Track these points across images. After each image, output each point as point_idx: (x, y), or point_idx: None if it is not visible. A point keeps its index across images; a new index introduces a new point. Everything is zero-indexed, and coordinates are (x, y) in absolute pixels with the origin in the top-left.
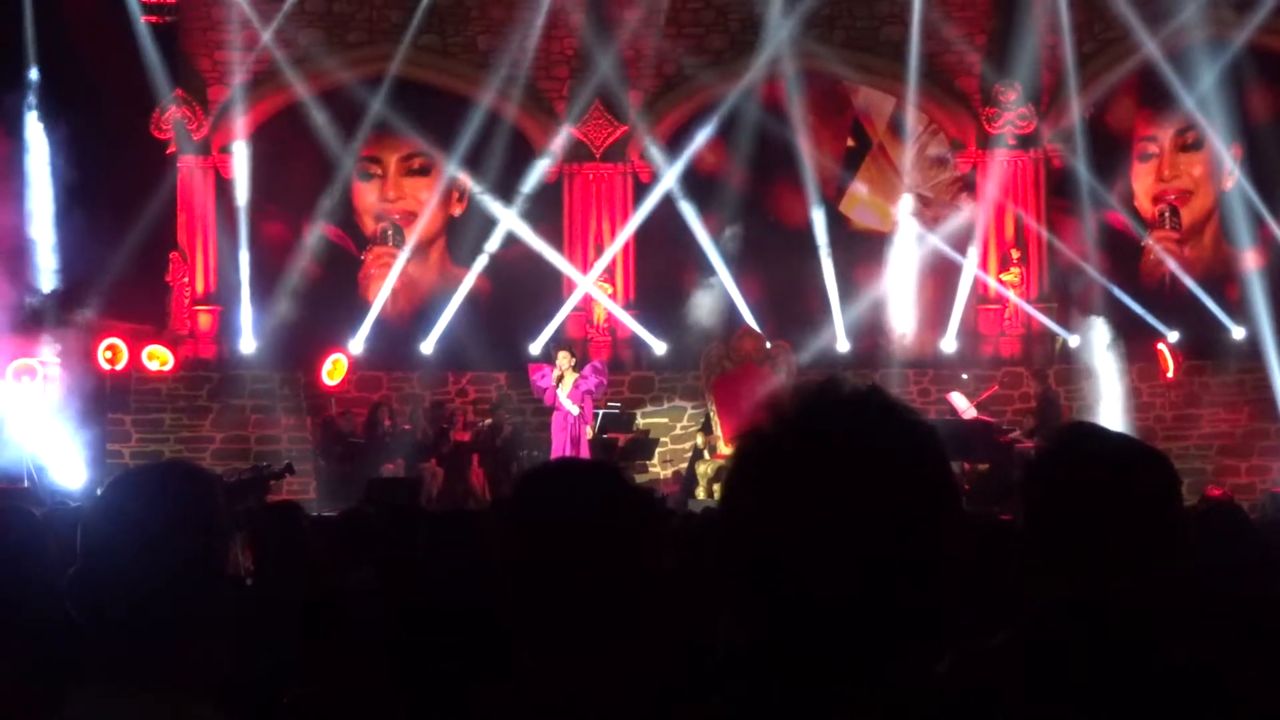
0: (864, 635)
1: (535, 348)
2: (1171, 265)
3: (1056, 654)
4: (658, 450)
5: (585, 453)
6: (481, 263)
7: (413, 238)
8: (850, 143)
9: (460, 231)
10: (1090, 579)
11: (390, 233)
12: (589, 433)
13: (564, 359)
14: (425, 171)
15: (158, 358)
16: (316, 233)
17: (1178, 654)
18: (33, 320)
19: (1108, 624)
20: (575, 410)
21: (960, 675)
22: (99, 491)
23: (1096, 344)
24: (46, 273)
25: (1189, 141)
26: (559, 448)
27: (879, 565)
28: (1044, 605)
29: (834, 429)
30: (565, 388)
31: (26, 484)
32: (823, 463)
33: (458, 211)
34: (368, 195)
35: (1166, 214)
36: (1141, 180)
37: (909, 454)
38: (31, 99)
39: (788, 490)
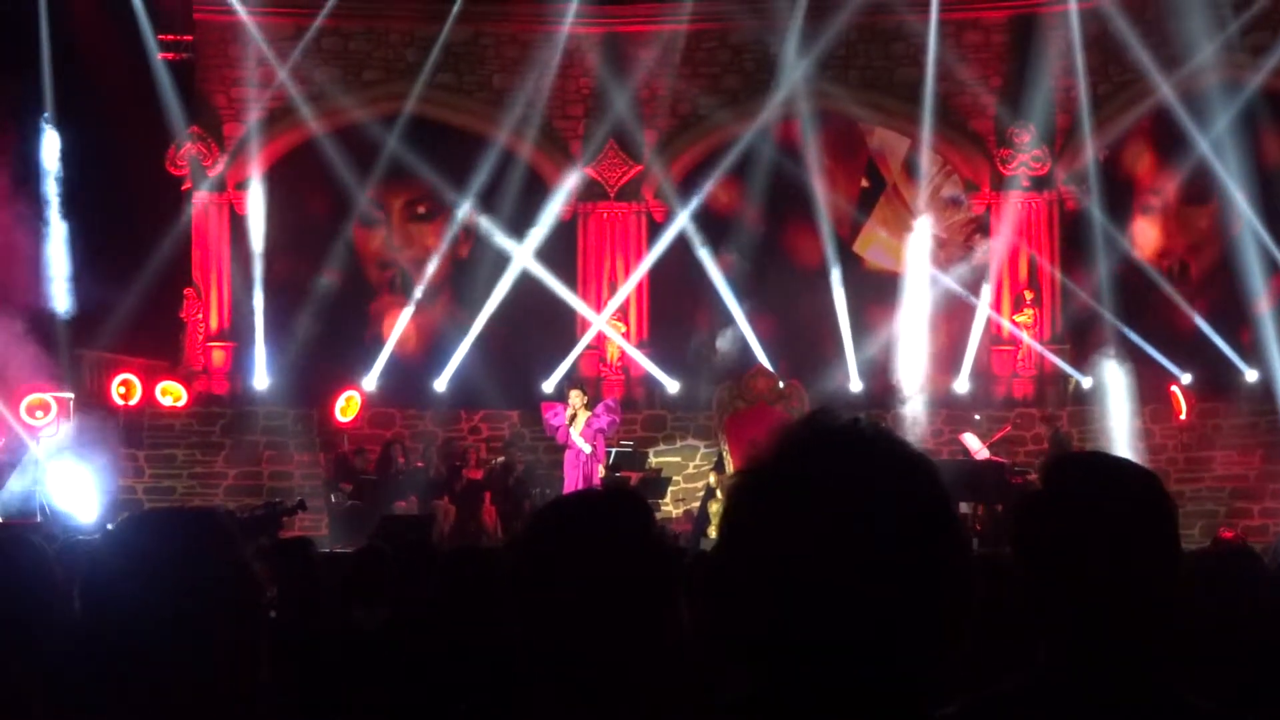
0: (862, 677)
1: (548, 386)
2: (1185, 308)
3: (1062, 699)
4: (670, 489)
5: (591, 482)
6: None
7: (421, 285)
8: (865, 183)
9: (469, 273)
10: (1086, 615)
11: (398, 280)
12: (601, 471)
13: (576, 397)
14: (429, 217)
15: (171, 393)
16: (323, 279)
17: (1190, 698)
18: (47, 355)
19: (1113, 666)
20: (588, 449)
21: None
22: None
23: (1109, 382)
24: (62, 309)
25: (1194, 194)
26: (571, 485)
27: (876, 604)
28: (1051, 648)
29: (826, 464)
30: (578, 426)
31: (39, 519)
32: (815, 499)
33: (465, 253)
34: (372, 241)
35: (1175, 270)
36: (1144, 233)
37: (904, 488)
38: (49, 136)
39: (780, 528)
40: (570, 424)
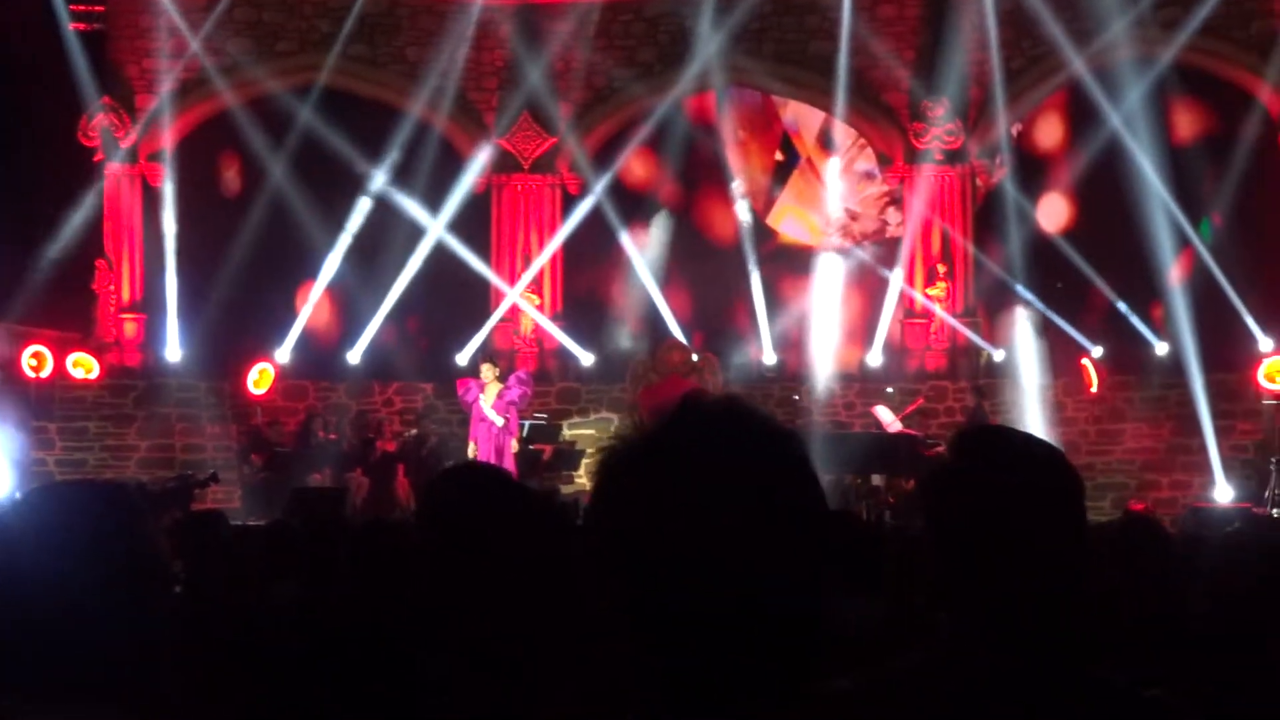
0: (736, 652)
1: (462, 359)
2: (1096, 282)
3: (967, 673)
4: (584, 462)
5: (510, 464)
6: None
7: (334, 257)
8: (779, 156)
9: (383, 245)
10: (993, 588)
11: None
12: (514, 445)
13: (488, 371)
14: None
15: (83, 365)
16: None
17: (1098, 671)
18: None
19: (1020, 639)
20: (500, 421)
21: (868, 696)
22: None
23: (1021, 355)
24: None
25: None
26: (483, 459)
27: (734, 575)
28: (954, 620)
29: (688, 440)
30: (489, 398)
31: None
32: (675, 474)
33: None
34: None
35: (1086, 243)
36: (1055, 207)
37: (766, 462)
38: None
39: (640, 504)
40: (481, 396)
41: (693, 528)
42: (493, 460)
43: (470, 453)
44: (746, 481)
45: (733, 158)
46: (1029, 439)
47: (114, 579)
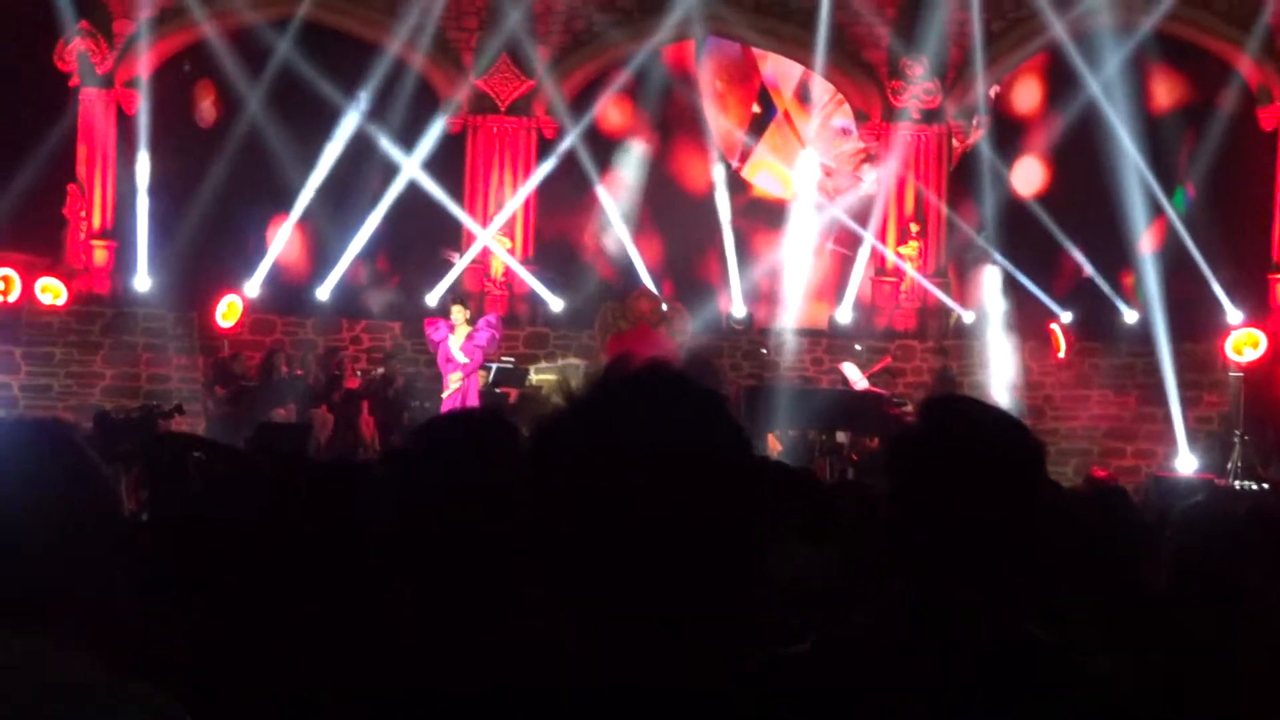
0: (670, 617)
1: (432, 299)
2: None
3: (915, 634)
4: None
5: (472, 398)
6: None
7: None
8: (756, 109)
9: (356, 181)
10: (948, 552)
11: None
12: (481, 381)
13: (458, 313)
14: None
15: (51, 290)
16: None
17: (1045, 640)
18: None
19: (968, 602)
20: (464, 360)
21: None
22: None
23: (990, 301)
24: None
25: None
26: (450, 400)
27: (664, 540)
28: (906, 581)
29: (609, 407)
30: (458, 340)
31: None
32: (597, 441)
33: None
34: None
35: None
36: (1031, 171)
37: (686, 426)
38: None
39: (567, 472)
40: (451, 337)
41: (613, 494)
42: (458, 402)
43: (446, 394)
44: (667, 445)
45: (709, 108)
46: (994, 411)
47: (59, 512)
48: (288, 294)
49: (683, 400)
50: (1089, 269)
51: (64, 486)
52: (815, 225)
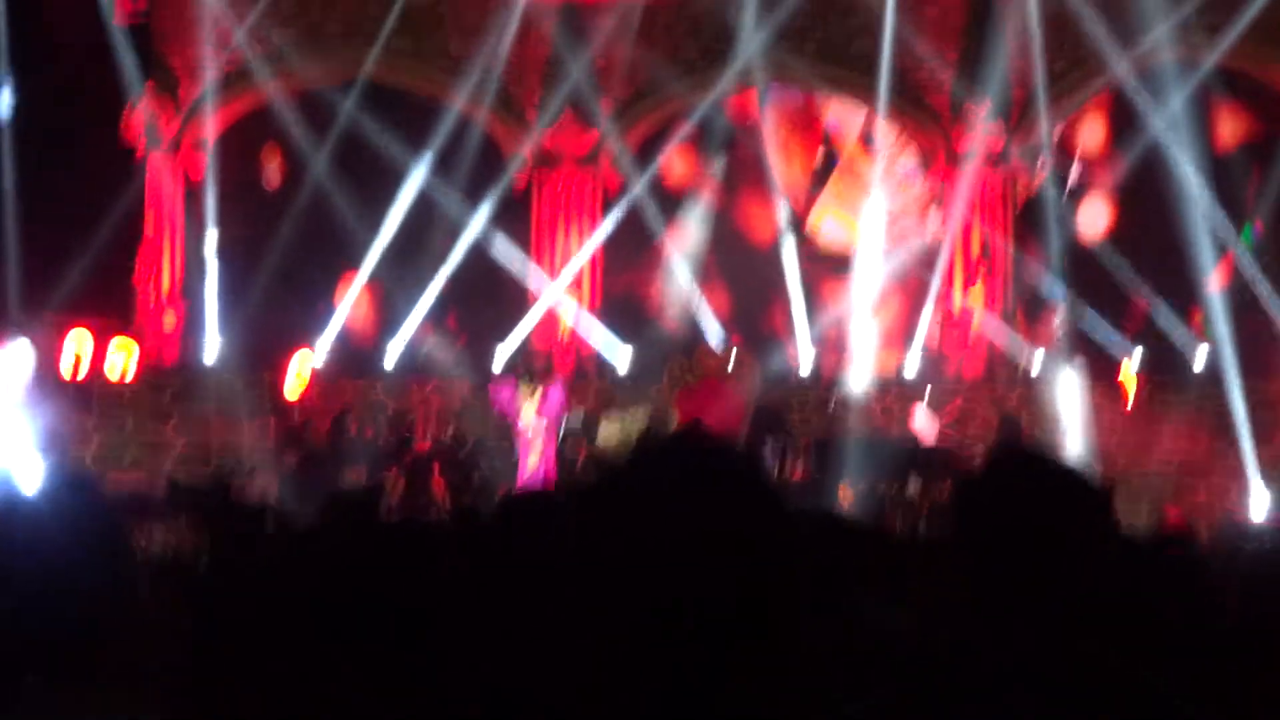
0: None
1: (499, 358)
2: (1136, 287)
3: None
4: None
5: (551, 467)
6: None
7: (373, 253)
8: (820, 156)
9: (423, 241)
10: (1021, 599)
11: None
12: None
13: (525, 387)
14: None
15: (124, 349)
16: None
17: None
18: None
19: (1044, 649)
20: (540, 424)
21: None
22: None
23: (1059, 344)
24: (13, 271)
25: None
26: (524, 466)
27: (693, 604)
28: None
29: (640, 477)
30: (531, 408)
31: None
32: (629, 511)
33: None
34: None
35: (1127, 247)
36: (1097, 211)
37: (713, 494)
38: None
39: (603, 541)
40: (522, 407)
41: (644, 560)
42: (540, 469)
43: (530, 464)
44: (695, 512)
45: (773, 156)
46: (1055, 463)
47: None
48: (357, 357)
49: (703, 474)
50: (1157, 307)
51: (98, 549)
52: (882, 272)
